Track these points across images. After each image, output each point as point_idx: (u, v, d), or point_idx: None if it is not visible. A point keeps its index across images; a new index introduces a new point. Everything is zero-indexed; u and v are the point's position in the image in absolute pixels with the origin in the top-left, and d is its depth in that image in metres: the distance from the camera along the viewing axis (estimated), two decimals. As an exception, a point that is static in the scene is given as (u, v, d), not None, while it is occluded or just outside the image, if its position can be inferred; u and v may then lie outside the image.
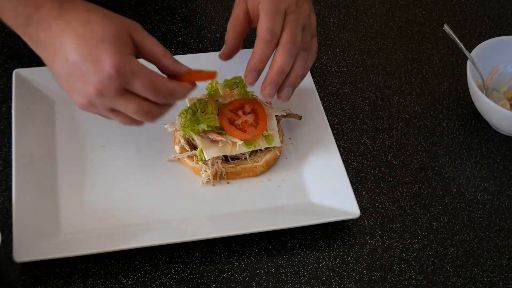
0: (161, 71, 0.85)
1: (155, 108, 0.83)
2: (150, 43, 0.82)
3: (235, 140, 0.95)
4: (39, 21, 0.80)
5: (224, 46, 0.96)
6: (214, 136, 0.94)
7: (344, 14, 1.24)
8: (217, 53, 1.10)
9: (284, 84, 0.92)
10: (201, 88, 1.03)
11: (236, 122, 0.96)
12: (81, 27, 0.79)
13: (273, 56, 0.91)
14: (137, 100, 0.81)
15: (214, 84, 1.00)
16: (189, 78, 0.86)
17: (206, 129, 0.93)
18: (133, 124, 0.86)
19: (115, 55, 0.78)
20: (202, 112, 0.95)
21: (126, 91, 0.80)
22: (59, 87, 0.84)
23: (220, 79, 1.05)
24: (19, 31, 0.82)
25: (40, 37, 0.80)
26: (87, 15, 0.79)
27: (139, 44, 0.82)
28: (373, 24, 1.23)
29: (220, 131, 0.96)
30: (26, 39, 0.83)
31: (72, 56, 0.78)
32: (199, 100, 0.96)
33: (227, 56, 0.96)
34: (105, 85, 0.78)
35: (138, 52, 0.82)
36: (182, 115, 0.95)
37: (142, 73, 0.80)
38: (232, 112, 0.97)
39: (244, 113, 0.98)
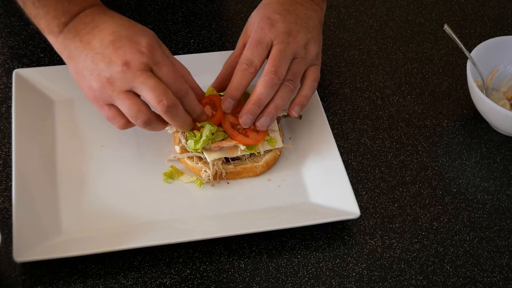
0: None
1: (171, 95, 0.84)
2: (176, 59, 0.88)
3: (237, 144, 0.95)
4: (83, 16, 0.86)
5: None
6: (224, 143, 0.94)
7: (344, 14, 1.24)
8: (217, 53, 1.10)
9: (262, 114, 0.93)
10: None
11: (239, 126, 0.96)
12: (122, 21, 0.86)
13: (255, 86, 0.92)
14: (157, 79, 0.84)
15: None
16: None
17: (212, 130, 0.93)
18: (136, 118, 0.86)
19: (151, 40, 0.85)
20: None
21: (150, 71, 0.84)
22: (76, 81, 0.88)
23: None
24: (55, 30, 0.86)
25: (78, 30, 0.86)
26: (128, 19, 0.88)
27: (169, 56, 0.87)
28: (373, 24, 1.23)
29: (223, 132, 0.96)
30: (60, 37, 0.87)
31: (110, 37, 0.84)
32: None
33: (217, 86, 0.97)
34: (135, 58, 0.82)
35: None
36: (191, 137, 0.95)
37: (170, 62, 0.86)
38: (234, 116, 0.97)
39: None
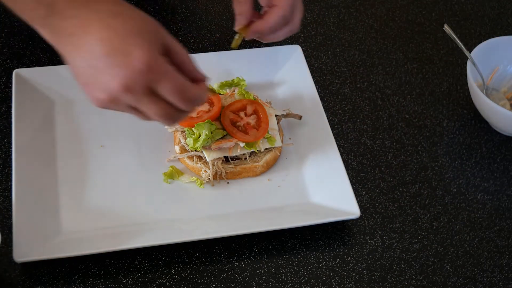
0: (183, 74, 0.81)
1: (176, 113, 0.78)
2: (177, 45, 0.78)
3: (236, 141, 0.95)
4: (63, 9, 0.74)
5: (240, 18, 0.92)
6: (225, 143, 0.94)
7: (344, 14, 1.24)
8: (217, 53, 1.10)
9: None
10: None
11: (238, 123, 0.96)
12: (110, 18, 0.73)
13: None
14: (162, 103, 0.76)
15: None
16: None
17: (211, 128, 0.93)
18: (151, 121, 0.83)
19: (147, 50, 0.73)
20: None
21: (152, 91, 0.76)
22: (77, 84, 0.78)
23: (216, 79, 1.05)
24: (37, 23, 0.76)
25: (63, 27, 0.74)
26: (117, 7, 0.75)
27: (167, 44, 0.77)
28: (373, 24, 1.23)
29: (222, 129, 0.96)
30: (45, 31, 0.76)
31: (99, 48, 0.73)
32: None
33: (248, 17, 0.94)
34: (134, 80, 0.73)
35: (165, 52, 0.77)
36: (190, 135, 0.95)
37: (172, 75, 0.75)
38: (234, 113, 0.97)
39: (246, 114, 0.98)
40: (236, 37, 0.91)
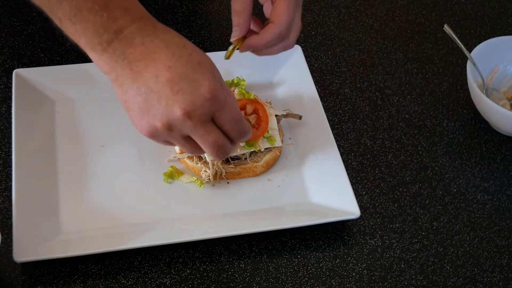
0: None
1: (229, 145, 0.80)
2: (225, 83, 0.81)
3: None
4: (130, 36, 0.75)
5: (236, 30, 0.92)
6: None
7: (344, 14, 1.24)
8: (217, 53, 1.10)
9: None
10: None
11: None
12: (178, 49, 0.76)
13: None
14: (218, 132, 0.78)
15: None
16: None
17: None
18: (197, 154, 0.84)
19: (212, 80, 0.76)
20: None
21: (210, 120, 0.77)
22: (124, 108, 0.77)
23: None
24: (96, 48, 0.75)
25: (127, 53, 0.75)
26: (182, 40, 0.77)
27: (219, 79, 0.80)
28: (373, 24, 1.23)
29: None
30: (102, 56, 0.76)
31: (166, 74, 0.74)
32: None
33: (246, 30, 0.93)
34: (197, 108, 0.75)
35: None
36: None
37: (232, 105, 0.78)
38: None
39: (246, 114, 0.98)
40: (230, 48, 0.91)
